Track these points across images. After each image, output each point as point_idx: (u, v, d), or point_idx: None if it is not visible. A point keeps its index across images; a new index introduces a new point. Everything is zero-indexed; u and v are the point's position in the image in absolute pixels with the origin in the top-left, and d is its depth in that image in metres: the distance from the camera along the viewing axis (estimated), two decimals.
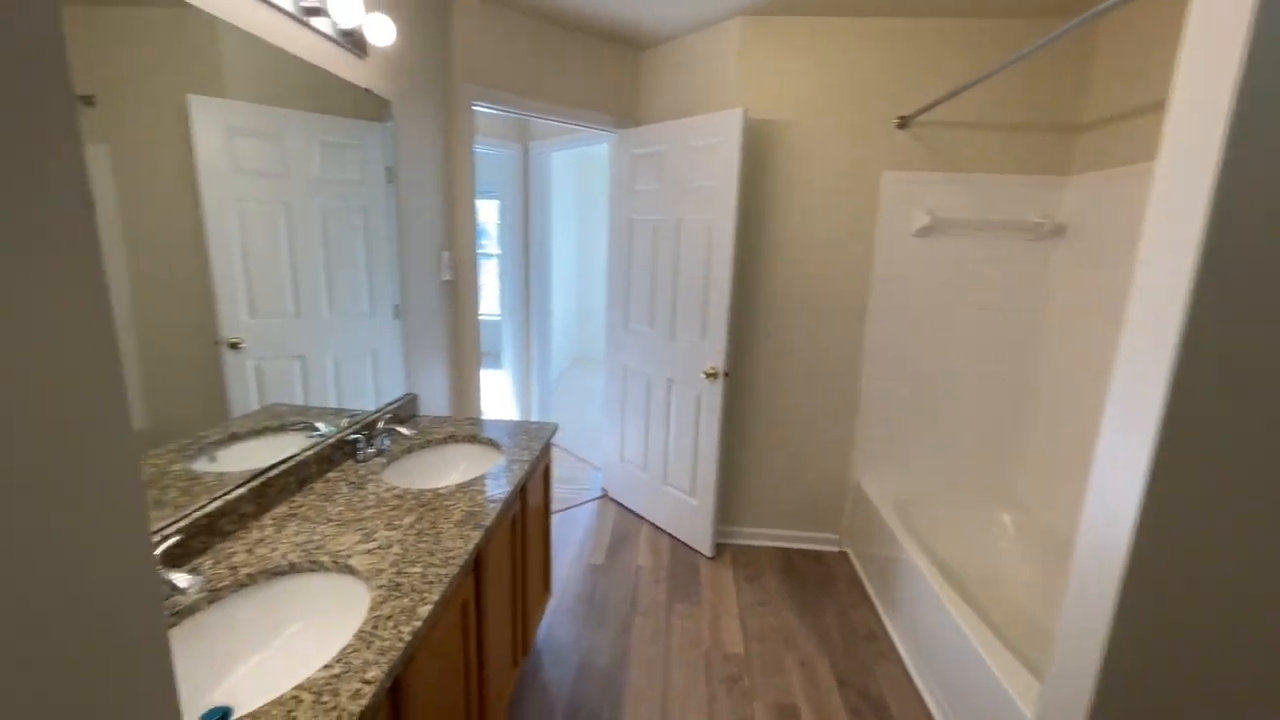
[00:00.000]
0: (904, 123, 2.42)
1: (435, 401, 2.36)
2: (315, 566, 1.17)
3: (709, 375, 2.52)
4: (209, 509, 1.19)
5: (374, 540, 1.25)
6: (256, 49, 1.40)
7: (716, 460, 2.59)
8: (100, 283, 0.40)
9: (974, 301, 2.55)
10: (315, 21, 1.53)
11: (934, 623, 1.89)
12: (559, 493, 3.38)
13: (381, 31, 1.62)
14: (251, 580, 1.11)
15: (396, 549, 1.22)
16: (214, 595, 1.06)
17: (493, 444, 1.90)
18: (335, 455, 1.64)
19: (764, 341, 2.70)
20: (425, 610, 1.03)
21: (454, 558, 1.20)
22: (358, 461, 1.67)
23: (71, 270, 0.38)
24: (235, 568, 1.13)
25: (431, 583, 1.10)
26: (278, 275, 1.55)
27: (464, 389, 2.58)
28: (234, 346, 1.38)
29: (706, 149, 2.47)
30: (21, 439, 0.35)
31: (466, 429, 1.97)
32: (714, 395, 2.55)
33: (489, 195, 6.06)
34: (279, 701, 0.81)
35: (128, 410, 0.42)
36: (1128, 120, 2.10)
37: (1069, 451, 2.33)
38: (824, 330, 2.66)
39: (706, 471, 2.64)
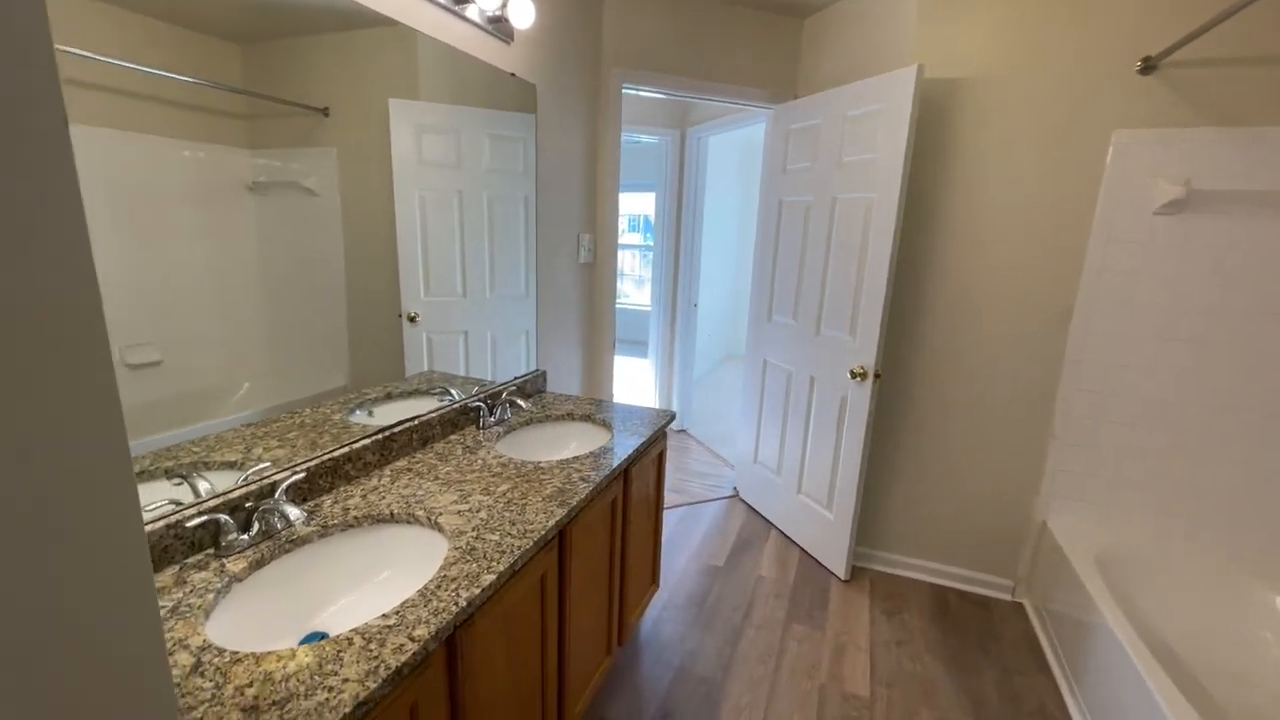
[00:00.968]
0: (1149, 65, 1.86)
1: (566, 381, 2.42)
2: (411, 519, 1.23)
3: (856, 375, 2.22)
4: (336, 454, 1.32)
5: (467, 502, 1.28)
6: (431, 50, 1.54)
7: (859, 472, 2.29)
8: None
9: (1249, 304, 1.89)
10: (466, 10, 1.62)
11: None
12: (689, 486, 3.30)
13: (522, 13, 1.66)
14: (358, 523, 1.21)
15: (483, 514, 1.24)
16: (324, 531, 1.16)
17: (605, 425, 1.88)
18: (460, 420, 1.75)
19: (927, 341, 2.30)
20: (488, 579, 1.01)
21: (532, 531, 1.17)
22: (479, 428, 1.76)
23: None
24: (347, 510, 1.23)
25: (503, 552, 1.09)
26: (449, 258, 1.73)
27: (595, 371, 2.62)
28: (412, 320, 1.60)
29: (868, 117, 2.17)
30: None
31: (585, 408, 1.98)
32: (861, 398, 2.24)
33: (646, 188, 6.16)
34: (335, 640, 0.85)
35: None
36: None
37: None
38: (1009, 332, 2.18)
39: (847, 484, 2.35)
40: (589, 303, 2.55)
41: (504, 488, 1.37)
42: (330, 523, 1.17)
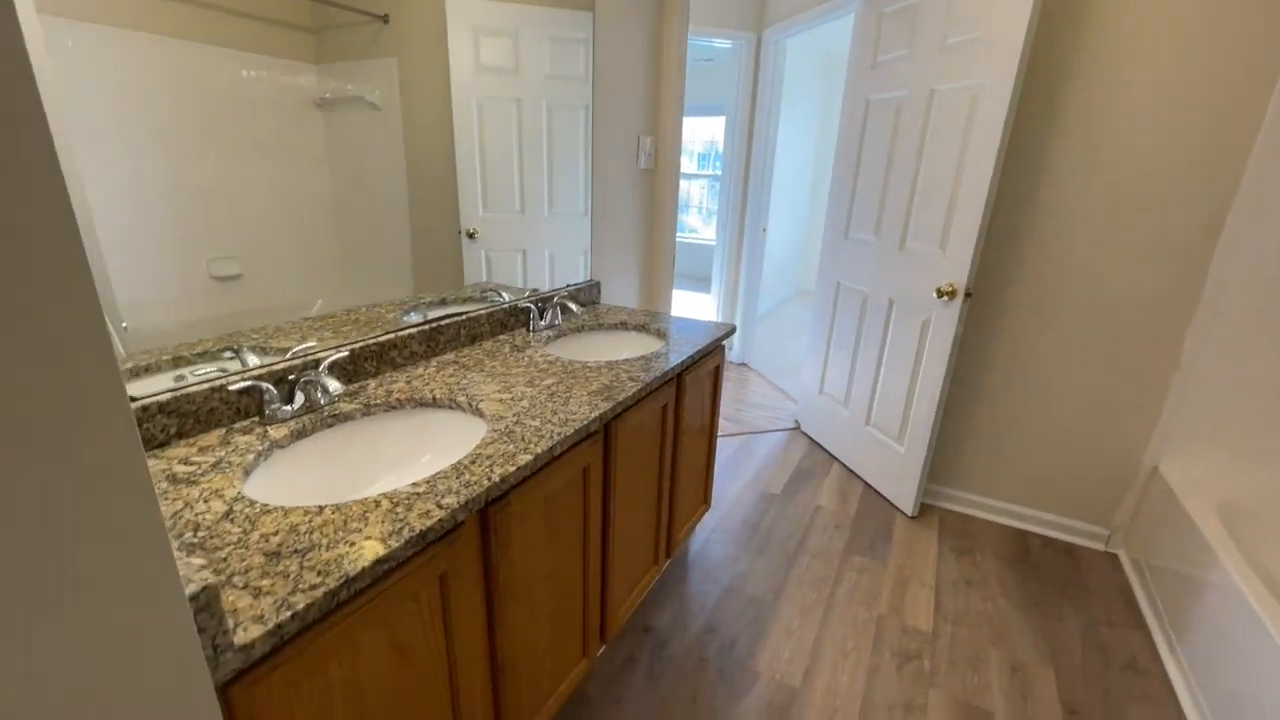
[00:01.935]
0: None
1: (622, 295, 2.31)
2: (453, 405, 1.19)
3: (944, 294, 1.98)
4: (381, 339, 1.29)
5: (510, 393, 1.23)
6: None
7: (938, 402, 2.08)
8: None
9: None
10: None
11: (1273, 691, 1.24)
12: (747, 416, 3.18)
13: None
14: (400, 405, 1.18)
15: (525, 403, 1.18)
16: (367, 410, 1.14)
17: (660, 335, 1.77)
18: (509, 322, 1.69)
19: (1031, 255, 2.01)
20: (524, 459, 0.95)
21: (573, 419, 1.10)
22: (529, 331, 1.70)
23: None
24: (391, 392, 1.21)
25: (541, 437, 1.03)
26: (507, 172, 1.67)
27: (653, 284, 2.50)
28: (471, 236, 1.58)
29: None
30: None
31: (639, 319, 1.87)
32: (947, 320, 2.01)
33: (715, 111, 5.77)
34: (363, 502, 0.82)
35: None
36: None
37: None
38: (1139, 245, 1.86)
39: (923, 415, 2.15)
40: (648, 212, 2.40)
41: (548, 382, 1.30)
42: (373, 403, 1.15)
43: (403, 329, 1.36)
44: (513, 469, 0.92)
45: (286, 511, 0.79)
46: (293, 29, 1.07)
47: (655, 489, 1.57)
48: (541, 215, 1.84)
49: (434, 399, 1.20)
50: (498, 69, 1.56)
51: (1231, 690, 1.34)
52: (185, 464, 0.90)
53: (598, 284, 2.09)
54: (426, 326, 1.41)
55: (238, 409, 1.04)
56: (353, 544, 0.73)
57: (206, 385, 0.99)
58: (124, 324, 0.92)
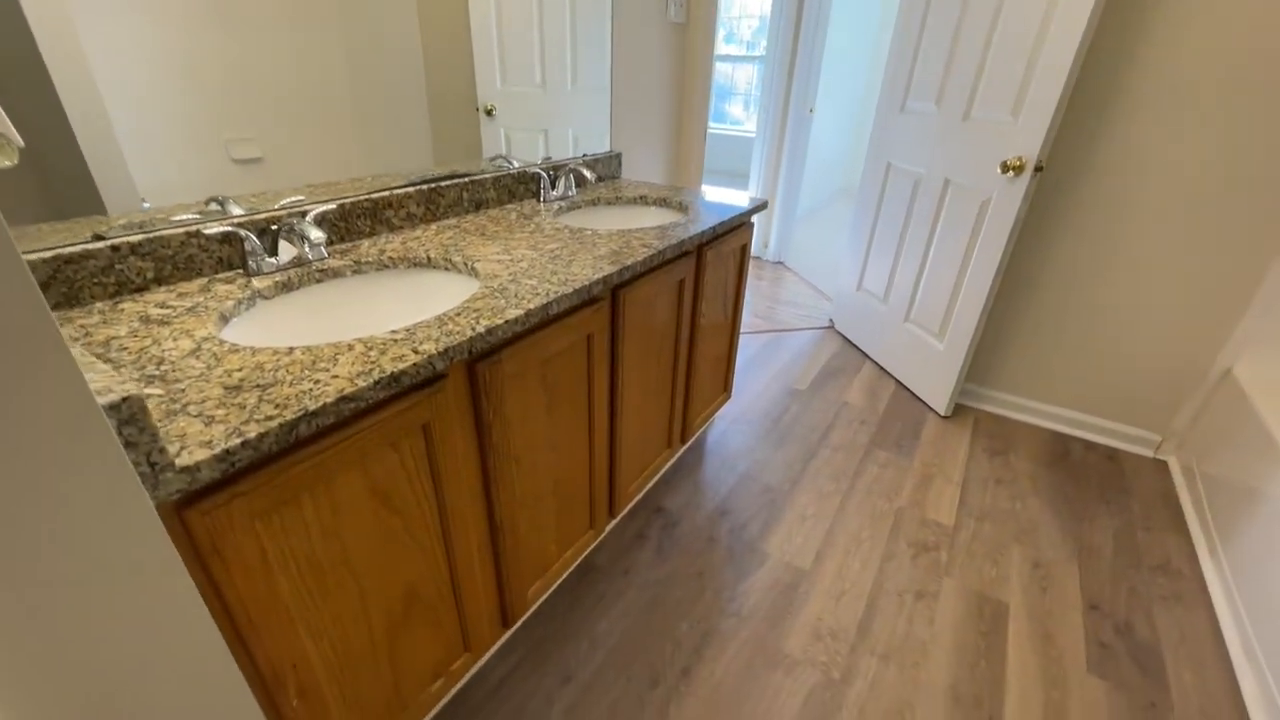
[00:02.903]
0: None
1: (646, 168, 2.14)
2: (448, 265, 1.11)
3: (1011, 168, 1.74)
4: (374, 196, 1.20)
5: (510, 254, 1.14)
6: None
7: (989, 292, 1.90)
8: None
9: None
10: None
11: None
12: (779, 314, 3.05)
13: None
14: (393, 264, 1.11)
15: (524, 264, 1.09)
16: (357, 267, 1.07)
17: (683, 209, 1.62)
18: (519, 191, 1.57)
19: (1117, 125, 1.72)
20: (513, 313, 0.87)
21: (574, 280, 1.01)
22: (540, 201, 1.58)
23: None
24: (384, 251, 1.13)
25: (537, 295, 0.95)
26: (527, 41, 1.51)
27: (682, 159, 2.30)
28: (489, 113, 1.45)
29: None
30: None
31: (662, 193, 1.72)
32: (1011, 197, 1.78)
33: None
34: (335, 345, 0.76)
35: None
36: None
37: None
38: (1243, 116, 1.56)
39: (970, 308, 1.98)
40: (680, 75, 2.15)
41: (552, 246, 1.20)
42: (365, 260, 1.08)
43: (397, 187, 1.26)
44: (500, 321, 0.85)
45: (255, 351, 0.74)
46: None
47: (670, 369, 1.50)
48: (564, 90, 1.67)
49: (428, 259, 1.12)
50: None
51: (1275, 597, 1.25)
52: (161, 307, 0.85)
53: (618, 156, 1.92)
54: (425, 186, 1.30)
55: (220, 259, 0.98)
56: (318, 381, 0.67)
57: (182, 230, 0.93)
58: (145, 203, 0.91)
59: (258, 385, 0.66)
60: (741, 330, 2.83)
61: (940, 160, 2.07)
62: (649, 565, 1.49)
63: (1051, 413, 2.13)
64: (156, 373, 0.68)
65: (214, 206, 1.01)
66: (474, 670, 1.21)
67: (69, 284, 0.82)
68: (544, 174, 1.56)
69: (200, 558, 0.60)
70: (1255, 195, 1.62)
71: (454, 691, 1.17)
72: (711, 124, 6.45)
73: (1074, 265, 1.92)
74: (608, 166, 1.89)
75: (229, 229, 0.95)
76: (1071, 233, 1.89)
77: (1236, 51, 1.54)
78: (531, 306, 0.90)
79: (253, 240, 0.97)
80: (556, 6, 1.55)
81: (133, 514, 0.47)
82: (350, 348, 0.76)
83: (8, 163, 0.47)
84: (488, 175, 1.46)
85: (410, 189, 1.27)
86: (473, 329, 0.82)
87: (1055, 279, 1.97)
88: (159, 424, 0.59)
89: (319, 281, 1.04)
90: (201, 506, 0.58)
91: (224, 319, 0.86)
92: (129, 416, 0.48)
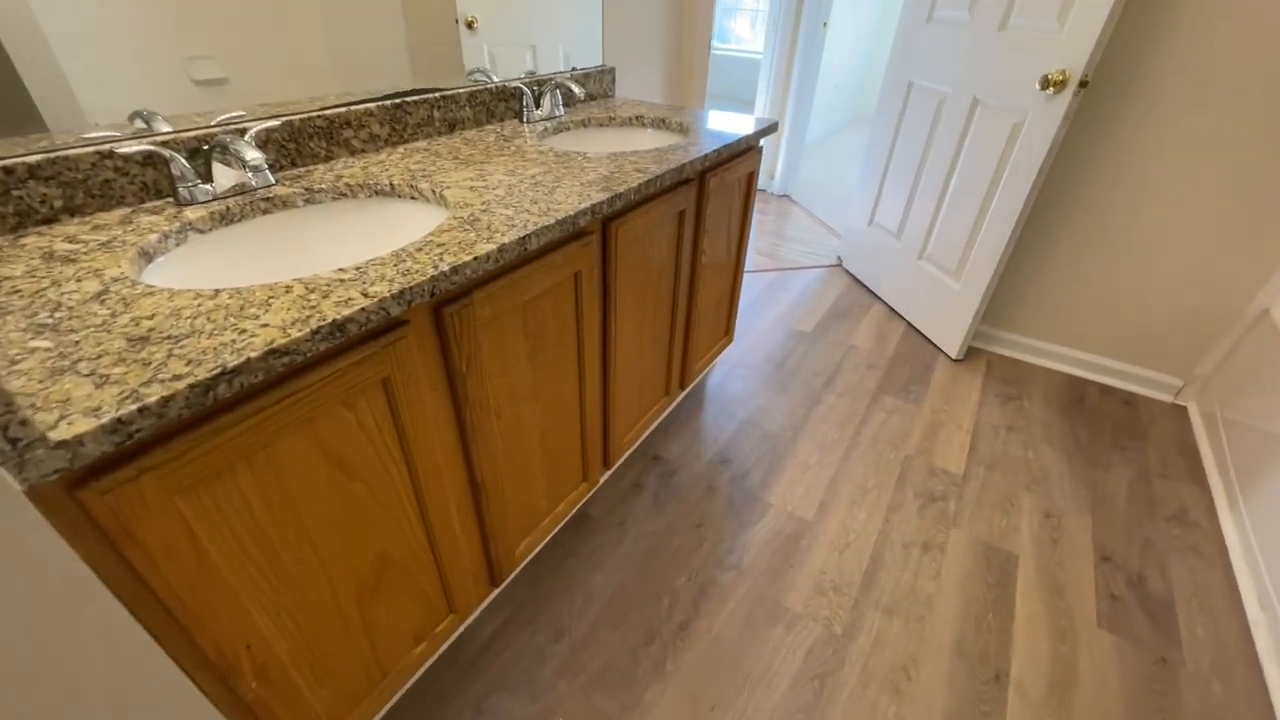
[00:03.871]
0: None
1: (641, 87, 1.93)
2: (414, 193, 0.97)
3: (1052, 84, 1.55)
4: (328, 113, 1.04)
5: (484, 180, 0.99)
6: None
7: (1015, 224, 1.75)
8: None
9: None
10: None
11: None
12: (784, 252, 2.89)
13: None
14: (351, 193, 0.96)
15: (500, 191, 0.95)
16: (310, 196, 0.93)
17: (683, 130, 1.45)
18: (499, 110, 1.39)
19: (1172, 33, 1.52)
20: (485, 249, 0.75)
21: (557, 210, 0.88)
22: (522, 121, 1.41)
23: None
24: (340, 177, 0.98)
25: (514, 227, 0.81)
26: None
27: (684, 75, 2.08)
28: (470, 25, 1.29)
29: None
30: None
31: (660, 113, 1.54)
32: (1049, 118, 1.60)
33: None
34: (270, 286, 0.64)
35: None
36: None
37: None
38: None
39: (992, 243, 1.83)
40: None
41: (534, 171, 1.05)
42: (318, 188, 0.94)
43: (356, 102, 1.10)
44: (468, 258, 0.72)
45: (173, 294, 0.62)
46: None
47: (669, 311, 1.38)
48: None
49: (391, 186, 0.97)
50: None
51: None
52: (70, 242, 0.73)
53: (611, 71, 1.72)
54: (388, 103, 1.14)
55: (144, 185, 0.84)
56: (243, 331, 0.56)
57: (91, 149, 0.78)
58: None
59: (169, 336, 0.55)
60: (745, 269, 2.69)
61: (971, 75, 1.87)
62: (645, 516, 1.43)
63: (1067, 355, 2.03)
64: (49, 321, 0.57)
65: (139, 124, 0.86)
66: (460, 630, 1.17)
67: None
68: (527, 90, 1.38)
69: (111, 542, 0.50)
70: None
71: (439, 653, 1.13)
72: (714, 44, 6.00)
73: (1104, 197, 1.76)
74: (599, 83, 1.69)
75: (149, 148, 0.80)
76: (1103, 160, 1.72)
77: None
78: (505, 241, 0.77)
79: (180, 162, 0.83)
80: None
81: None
82: (288, 290, 0.64)
83: None
84: (462, 91, 1.29)
85: (372, 105, 1.11)
86: (435, 267, 0.70)
87: (1080, 212, 1.81)
88: (41, 385, 0.48)
89: (265, 213, 0.90)
90: (100, 485, 0.48)
91: (145, 256, 0.74)
92: None
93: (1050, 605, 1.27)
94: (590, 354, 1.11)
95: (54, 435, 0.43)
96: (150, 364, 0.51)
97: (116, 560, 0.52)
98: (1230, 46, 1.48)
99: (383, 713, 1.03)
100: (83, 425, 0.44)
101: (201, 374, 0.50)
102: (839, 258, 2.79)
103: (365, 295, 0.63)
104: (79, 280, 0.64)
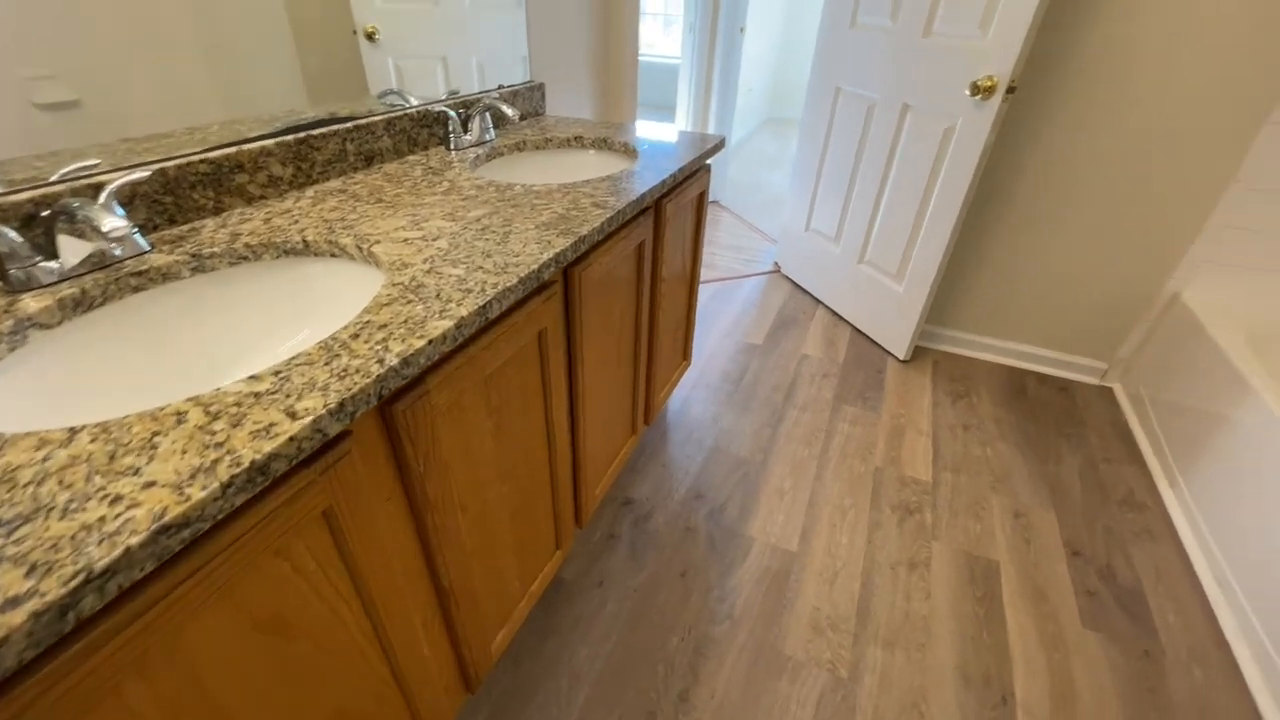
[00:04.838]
0: None
1: (572, 105, 1.81)
2: (334, 250, 0.80)
3: (980, 91, 1.57)
4: (212, 156, 0.85)
5: (420, 229, 0.84)
6: None
7: (953, 229, 1.78)
8: None
9: None
10: None
11: None
12: (721, 261, 2.85)
13: None
14: (253, 254, 0.78)
15: (443, 242, 0.80)
16: (198, 263, 0.75)
17: (629, 152, 1.35)
18: (421, 137, 1.23)
19: (1089, 37, 1.59)
20: (441, 327, 0.61)
21: (516, 265, 0.75)
22: (450, 149, 1.25)
23: None
24: (238, 235, 0.80)
25: (469, 292, 0.68)
26: None
27: (613, 87, 1.98)
28: (370, 37, 1.10)
29: None
30: None
31: (600, 132, 1.42)
32: (979, 124, 1.63)
33: None
34: (153, 415, 0.47)
35: None
36: None
37: None
38: (1209, 43, 1.46)
39: (932, 246, 1.86)
40: None
41: (478, 213, 0.91)
42: (208, 252, 0.75)
43: (250, 140, 0.91)
44: (421, 343, 0.58)
45: (6, 441, 0.44)
46: None
47: (632, 350, 1.27)
48: (461, 7, 1.30)
49: (305, 243, 0.80)
50: None
51: (1239, 524, 1.26)
52: None
53: (541, 87, 1.58)
54: (289, 138, 0.95)
55: None
56: (117, 499, 0.40)
57: None
58: None
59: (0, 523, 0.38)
60: None
61: (898, 82, 1.88)
62: (625, 571, 1.32)
63: (1005, 348, 2.11)
64: None
65: None
66: None
67: None
68: (453, 113, 1.23)
69: None
70: (1216, 118, 1.56)
71: None
72: None
73: (1034, 194, 1.83)
74: (529, 101, 1.55)
75: None
76: (1032, 160, 1.79)
77: None
78: (464, 313, 0.64)
79: (7, 236, 0.63)
80: None
81: None
82: (179, 418, 0.47)
83: None
84: (377, 118, 1.11)
85: (269, 142, 0.92)
86: (380, 361, 0.55)
87: (1025, 204, 1.88)
88: None
89: (138, 289, 0.71)
90: None
91: None
92: None
93: (1037, 611, 1.27)
94: (558, 413, 0.99)
95: None
96: None
97: None
98: (1124, 62, 1.56)
99: None
100: None
101: (53, 593, 0.34)
102: (776, 263, 2.78)
103: (291, 416, 0.48)
104: None
